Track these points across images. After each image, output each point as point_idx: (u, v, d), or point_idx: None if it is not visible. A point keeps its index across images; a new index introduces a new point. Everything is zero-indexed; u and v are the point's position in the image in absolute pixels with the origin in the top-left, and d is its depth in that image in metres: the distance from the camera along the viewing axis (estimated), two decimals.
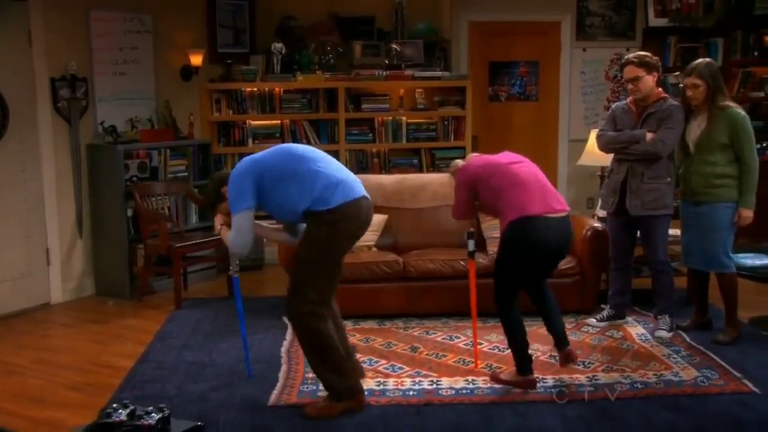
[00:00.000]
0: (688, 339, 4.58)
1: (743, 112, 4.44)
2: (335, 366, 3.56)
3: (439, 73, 6.92)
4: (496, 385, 3.92)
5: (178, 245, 5.40)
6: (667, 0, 7.59)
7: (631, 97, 4.70)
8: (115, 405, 3.01)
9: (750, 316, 4.97)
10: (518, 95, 7.64)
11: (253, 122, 6.66)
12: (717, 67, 4.55)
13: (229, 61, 6.58)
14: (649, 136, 4.49)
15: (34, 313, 5.40)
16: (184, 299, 5.49)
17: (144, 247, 5.54)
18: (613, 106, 4.90)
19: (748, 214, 4.43)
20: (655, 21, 7.53)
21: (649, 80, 4.53)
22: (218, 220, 3.81)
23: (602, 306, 5.00)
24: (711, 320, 4.78)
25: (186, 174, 6.12)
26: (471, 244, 4.18)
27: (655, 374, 4.05)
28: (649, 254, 4.68)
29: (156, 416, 2.90)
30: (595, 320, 4.88)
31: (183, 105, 6.29)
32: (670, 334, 4.63)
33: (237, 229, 3.51)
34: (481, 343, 4.51)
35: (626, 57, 4.68)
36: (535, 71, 7.63)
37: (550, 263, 3.95)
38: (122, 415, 2.92)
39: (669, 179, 4.56)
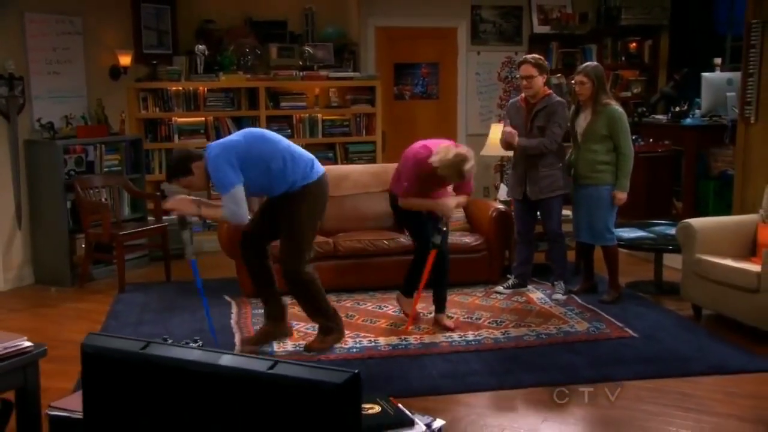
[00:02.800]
0: (579, 300, 5.40)
1: (621, 109, 5.26)
2: (326, 309, 4.37)
3: (351, 74, 7.54)
4: (427, 340, 4.59)
5: (122, 233, 5.76)
6: (549, 10, 8.54)
7: (522, 95, 5.42)
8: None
9: (627, 281, 5.86)
10: (421, 94, 8.38)
11: (178, 119, 7.06)
12: (603, 70, 5.35)
13: (155, 62, 6.95)
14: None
15: None
16: (126, 284, 5.84)
17: (85, 236, 5.84)
18: (508, 104, 5.61)
19: (622, 195, 5.24)
20: (539, 28, 8.46)
21: (540, 80, 5.29)
22: (175, 202, 4.26)
23: (508, 276, 5.77)
24: (596, 285, 5.63)
25: (120, 168, 6.45)
26: (437, 237, 4.75)
27: (555, 327, 4.83)
28: (546, 228, 5.47)
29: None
30: (502, 288, 5.63)
31: (113, 103, 6.60)
32: (564, 297, 5.43)
33: (235, 202, 4.00)
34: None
35: (524, 56, 5.41)
36: (435, 72, 8.39)
37: None
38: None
39: (560, 165, 5.36)
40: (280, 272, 4.33)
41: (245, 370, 1.79)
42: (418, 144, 4.74)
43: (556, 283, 5.54)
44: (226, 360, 1.82)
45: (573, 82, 5.36)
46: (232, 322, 4.99)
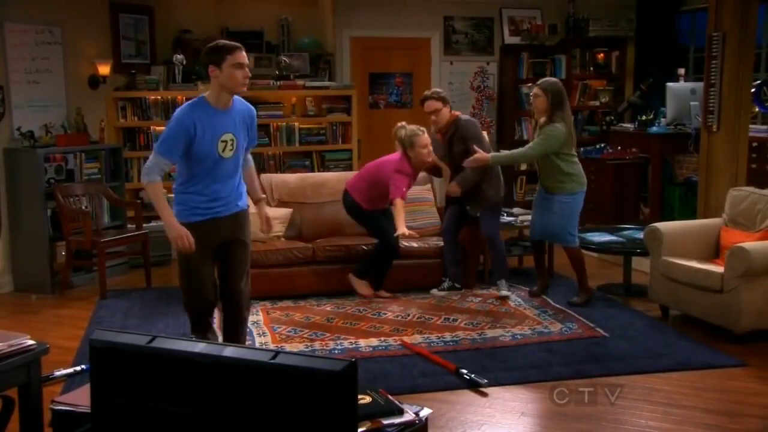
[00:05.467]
0: (552, 302, 5.58)
1: (559, 131, 5.23)
2: None
3: (327, 83, 7.68)
4: (407, 341, 4.72)
5: (103, 240, 5.82)
6: (519, 21, 8.76)
7: (432, 128, 5.58)
8: None
9: (598, 284, 6.06)
10: (395, 103, 8.54)
11: (157, 128, 7.12)
12: (562, 87, 5.38)
13: (133, 71, 7.03)
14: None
15: None
16: (107, 291, 5.89)
17: (66, 243, 5.89)
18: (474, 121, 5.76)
19: (485, 157, 5.32)
20: (510, 39, 8.68)
21: (445, 111, 5.49)
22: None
23: (443, 279, 5.83)
24: (548, 285, 5.83)
25: (99, 176, 6.51)
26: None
27: (529, 328, 5.00)
28: (484, 233, 5.60)
29: None
30: (436, 290, 5.75)
31: (92, 112, 6.66)
32: (510, 292, 5.63)
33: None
34: (386, 314, 5.32)
35: (424, 94, 5.54)
36: (409, 81, 8.56)
37: None
38: None
39: (492, 176, 5.52)
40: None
41: (249, 360, 1.90)
42: (375, 164, 5.68)
43: (498, 282, 5.68)
44: (229, 351, 1.94)
45: (530, 95, 5.54)
46: (215, 326, 5.06)
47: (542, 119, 5.36)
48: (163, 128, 7.02)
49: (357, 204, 5.64)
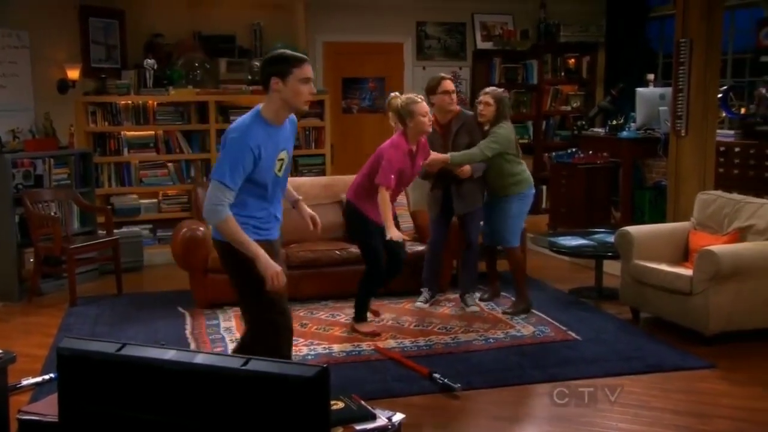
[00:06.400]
0: (498, 309, 5.55)
1: (505, 129, 5.27)
2: None
3: None
4: (381, 345, 4.72)
5: (73, 246, 5.75)
6: (491, 26, 8.82)
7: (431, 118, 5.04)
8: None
9: (570, 287, 6.11)
10: (368, 108, 8.55)
11: (128, 133, 7.07)
12: (507, 98, 5.46)
13: (103, 76, 6.96)
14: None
15: None
16: (77, 298, 5.82)
17: (35, 250, 5.81)
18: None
19: (443, 158, 5.12)
20: (482, 44, 8.74)
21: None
22: None
23: (422, 290, 5.61)
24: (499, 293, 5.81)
25: (69, 182, 6.43)
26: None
27: (502, 332, 5.02)
28: (467, 239, 5.47)
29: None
30: (421, 303, 5.56)
31: (61, 117, 6.58)
32: (478, 308, 5.50)
33: None
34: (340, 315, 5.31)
35: (441, 74, 5.40)
36: (382, 86, 8.57)
37: None
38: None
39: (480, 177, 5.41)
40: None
41: (220, 367, 1.90)
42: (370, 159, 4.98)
43: (468, 295, 5.54)
44: (200, 358, 1.93)
45: (478, 101, 5.41)
46: (187, 333, 5.05)
47: (486, 127, 5.34)
48: (134, 133, 7.12)
49: (359, 212, 4.91)
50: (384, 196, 4.75)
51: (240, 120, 3.28)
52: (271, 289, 3.25)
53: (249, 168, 3.18)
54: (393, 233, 4.71)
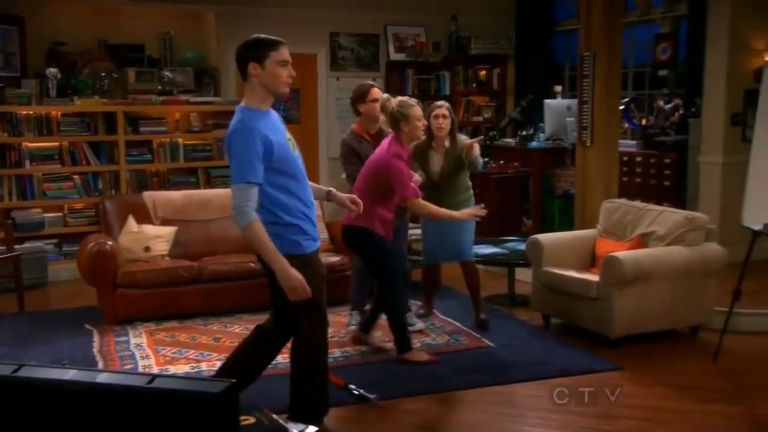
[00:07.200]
0: (440, 315, 5.66)
1: (466, 139, 5.30)
2: None
3: (212, 99, 7.55)
4: None
5: None
6: (404, 38, 8.93)
7: (357, 126, 5.10)
8: None
9: (484, 295, 6.18)
10: (283, 118, 8.46)
11: (30, 144, 6.79)
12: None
13: (2, 85, 6.66)
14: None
15: None
16: None
17: None
18: (345, 140, 5.11)
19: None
20: (395, 56, 8.83)
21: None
22: None
23: (351, 313, 5.37)
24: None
25: None
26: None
27: (418, 341, 5.04)
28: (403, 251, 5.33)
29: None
30: (354, 327, 5.24)
31: None
32: (424, 325, 5.38)
33: None
34: None
35: (369, 82, 5.22)
36: (296, 97, 8.54)
37: None
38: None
39: None
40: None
41: (123, 385, 1.83)
42: (364, 172, 4.64)
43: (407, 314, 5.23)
44: (103, 377, 1.86)
45: (434, 116, 5.12)
46: (95, 350, 4.87)
47: (447, 141, 5.20)
48: (37, 144, 6.82)
49: (363, 231, 4.53)
50: (419, 204, 4.59)
51: (232, 121, 3.23)
52: (296, 300, 3.21)
53: (264, 157, 3.10)
54: (464, 213, 4.74)
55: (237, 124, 3.18)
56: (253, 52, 3.19)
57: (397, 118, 4.54)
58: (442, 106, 5.18)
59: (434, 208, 4.67)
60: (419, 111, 4.58)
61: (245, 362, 3.61)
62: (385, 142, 4.62)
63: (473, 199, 5.37)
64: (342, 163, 5.17)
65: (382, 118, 4.83)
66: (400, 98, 4.65)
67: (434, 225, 5.20)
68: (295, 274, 3.16)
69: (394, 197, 4.53)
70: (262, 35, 3.28)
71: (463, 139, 5.32)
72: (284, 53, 3.21)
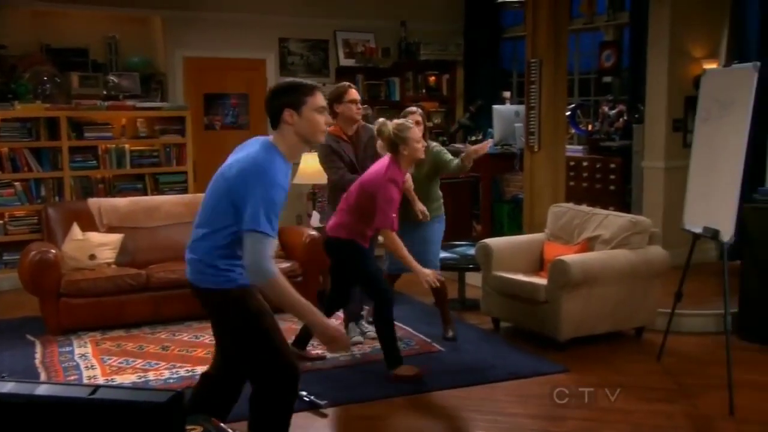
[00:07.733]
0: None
1: (437, 146, 5.25)
2: None
3: (159, 104, 7.44)
4: None
5: None
6: (353, 44, 8.94)
7: (334, 128, 4.86)
8: None
9: (433, 300, 6.23)
10: (231, 124, 8.41)
11: None
12: None
13: None
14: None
15: None
16: None
17: None
18: (326, 142, 4.85)
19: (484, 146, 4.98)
20: (345, 61, 8.83)
21: None
22: None
23: (348, 326, 5.26)
24: None
25: None
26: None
27: (369, 346, 5.04)
28: None
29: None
30: (359, 338, 5.18)
31: None
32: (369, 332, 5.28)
33: None
34: None
35: (345, 83, 5.08)
36: (245, 102, 8.47)
37: None
38: None
39: None
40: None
41: (65, 397, 1.79)
42: (355, 186, 4.51)
43: (363, 323, 5.34)
44: (43, 389, 1.81)
45: (410, 119, 4.79)
46: (37, 362, 4.75)
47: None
48: None
49: (348, 243, 4.47)
50: (393, 238, 4.42)
51: (256, 153, 2.87)
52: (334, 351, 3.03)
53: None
54: (424, 274, 4.44)
55: (265, 163, 2.84)
56: (290, 97, 2.92)
57: (396, 143, 4.42)
58: (416, 112, 5.05)
59: (403, 250, 4.46)
60: (416, 133, 4.47)
61: None
62: (383, 162, 4.49)
63: (443, 209, 5.26)
64: (325, 168, 5.01)
65: (379, 143, 4.64)
66: (396, 121, 4.53)
67: (402, 234, 4.73)
68: (332, 323, 2.98)
69: (375, 220, 4.41)
70: (296, 79, 3.11)
71: (434, 145, 5.24)
72: (321, 99, 2.98)
